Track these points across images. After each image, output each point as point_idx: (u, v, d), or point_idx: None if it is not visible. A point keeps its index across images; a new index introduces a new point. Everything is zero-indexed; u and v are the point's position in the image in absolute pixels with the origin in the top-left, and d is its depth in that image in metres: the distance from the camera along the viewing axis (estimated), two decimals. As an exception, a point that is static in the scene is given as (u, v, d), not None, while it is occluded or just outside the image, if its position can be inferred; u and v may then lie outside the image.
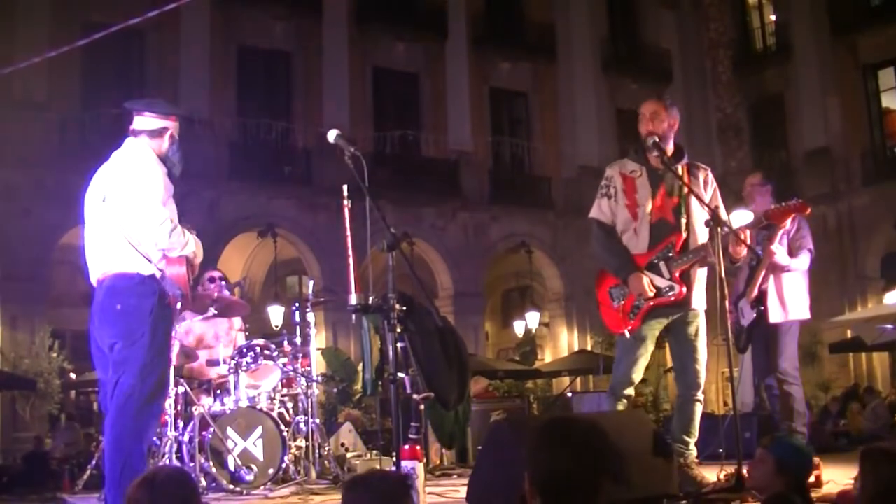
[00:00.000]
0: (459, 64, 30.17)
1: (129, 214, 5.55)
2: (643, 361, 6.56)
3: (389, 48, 29.35)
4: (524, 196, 30.33)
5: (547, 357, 30.94)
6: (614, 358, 6.79)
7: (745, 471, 5.99)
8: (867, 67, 30.65)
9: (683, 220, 6.44)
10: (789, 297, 7.60)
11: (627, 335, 6.42)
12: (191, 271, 5.78)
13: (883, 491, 4.08)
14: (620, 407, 6.52)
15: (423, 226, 27.93)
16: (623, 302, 6.40)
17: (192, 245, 5.68)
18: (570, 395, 21.27)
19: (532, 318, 29.49)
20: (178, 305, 5.58)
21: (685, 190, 6.43)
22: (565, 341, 30.90)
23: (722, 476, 6.26)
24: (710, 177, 6.67)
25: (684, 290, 6.36)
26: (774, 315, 7.55)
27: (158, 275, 5.56)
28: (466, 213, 29.36)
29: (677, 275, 6.36)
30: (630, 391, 6.59)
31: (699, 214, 6.44)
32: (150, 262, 5.56)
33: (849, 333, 26.63)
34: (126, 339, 5.55)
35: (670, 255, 6.37)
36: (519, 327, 30.00)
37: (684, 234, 6.42)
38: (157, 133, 5.89)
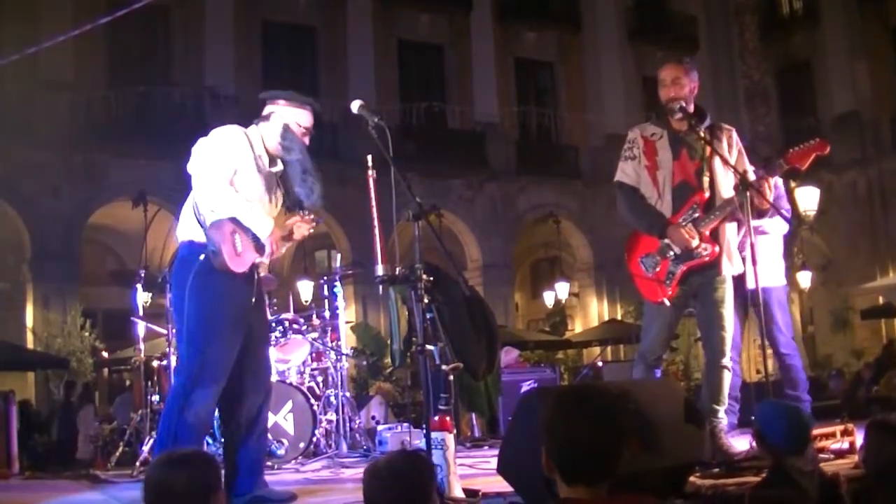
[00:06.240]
0: (484, 35, 30.06)
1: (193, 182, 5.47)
2: (673, 327, 6.53)
3: (414, 20, 29.27)
4: (551, 166, 30.19)
5: (577, 327, 30.91)
6: (642, 325, 6.70)
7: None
8: (896, 30, 30.39)
9: (706, 181, 6.34)
10: (761, 263, 7.46)
11: (667, 303, 6.32)
12: (257, 249, 5.51)
13: (887, 468, 4.06)
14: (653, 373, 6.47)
15: (450, 198, 27.89)
16: (657, 269, 6.29)
17: (233, 210, 5.34)
18: (600, 364, 21.19)
19: (561, 289, 29.38)
20: (202, 257, 5.31)
21: (707, 152, 6.34)
22: (595, 311, 30.86)
23: (754, 444, 6.22)
24: (735, 138, 6.52)
25: (717, 249, 6.29)
26: (750, 280, 7.43)
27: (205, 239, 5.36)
28: (494, 184, 29.30)
29: (707, 233, 6.27)
30: (660, 357, 6.55)
31: (723, 177, 6.36)
32: (203, 226, 5.36)
33: (880, 299, 26.52)
34: (176, 311, 5.58)
35: (696, 215, 6.27)
36: (548, 298, 29.92)
37: (707, 194, 6.32)
38: (264, 118, 6.05)
